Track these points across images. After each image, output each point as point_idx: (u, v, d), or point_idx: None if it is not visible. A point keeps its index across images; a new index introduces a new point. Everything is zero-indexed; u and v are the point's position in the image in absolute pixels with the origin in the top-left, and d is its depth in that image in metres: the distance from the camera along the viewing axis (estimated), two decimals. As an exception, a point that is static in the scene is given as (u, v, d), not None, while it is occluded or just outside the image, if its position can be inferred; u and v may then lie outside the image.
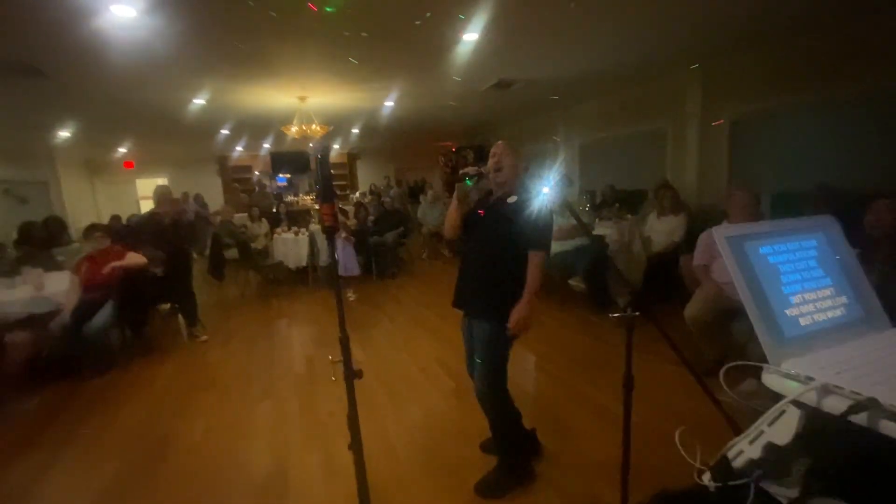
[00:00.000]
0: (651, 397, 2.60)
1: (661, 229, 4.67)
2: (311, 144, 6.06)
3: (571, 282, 4.78)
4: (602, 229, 4.81)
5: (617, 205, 5.81)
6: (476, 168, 1.92)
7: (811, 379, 0.60)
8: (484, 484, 2.03)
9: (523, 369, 3.28)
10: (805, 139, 4.53)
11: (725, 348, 2.79)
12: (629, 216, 5.31)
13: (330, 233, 1.38)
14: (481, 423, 2.39)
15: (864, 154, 4.04)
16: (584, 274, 4.48)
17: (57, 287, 3.68)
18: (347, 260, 5.54)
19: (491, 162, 1.94)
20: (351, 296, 5.51)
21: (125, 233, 5.09)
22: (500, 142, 1.97)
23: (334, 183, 13.28)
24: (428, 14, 3.24)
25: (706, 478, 0.71)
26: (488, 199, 2.03)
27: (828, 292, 0.76)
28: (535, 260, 1.85)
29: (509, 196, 1.92)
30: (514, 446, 2.08)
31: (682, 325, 2.96)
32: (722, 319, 2.77)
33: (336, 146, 12.32)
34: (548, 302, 4.67)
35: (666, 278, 4.29)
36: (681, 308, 3.07)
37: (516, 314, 1.84)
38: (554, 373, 3.23)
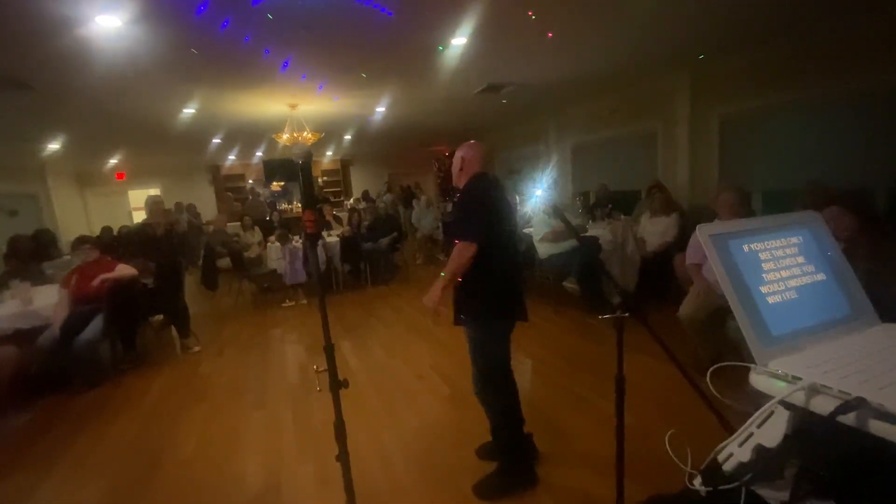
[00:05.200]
0: (647, 397, 2.59)
1: (654, 230, 4.68)
2: (293, 151, 6.02)
3: (566, 284, 4.78)
4: (596, 230, 4.81)
5: (610, 206, 5.81)
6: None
7: (798, 379, 0.59)
8: (482, 485, 2.01)
9: (519, 373, 3.25)
10: (794, 137, 4.57)
11: (720, 347, 2.79)
12: (622, 217, 5.32)
13: (312, 239, 1.37)
14: (477, 429, 2.37)
15: (853, 150, 4.07)
16: (577, 276, 4.48)
17: (45, 301, 3.63)
18: (297, 267, 5.49)
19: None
20: (287, 303, 5.53)
21: (115, 244, 5.04)
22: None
23: (328, 190, 13.11)
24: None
25: (697, 482, 0.70)
26: None
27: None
28: (457, 248, 1.85)
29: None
30: (513, 449, 2.06)
31: (677, 325, 2.96)
32: (716, 318, 2.77)
33: (329, 153, 12.29)
34: (543, 305, 4.65)
35: (660, 278, 4.31)
36: (675, 308, 3.07)
37: (429, 294, 1.91)
38: (549, 375, 3.21)
